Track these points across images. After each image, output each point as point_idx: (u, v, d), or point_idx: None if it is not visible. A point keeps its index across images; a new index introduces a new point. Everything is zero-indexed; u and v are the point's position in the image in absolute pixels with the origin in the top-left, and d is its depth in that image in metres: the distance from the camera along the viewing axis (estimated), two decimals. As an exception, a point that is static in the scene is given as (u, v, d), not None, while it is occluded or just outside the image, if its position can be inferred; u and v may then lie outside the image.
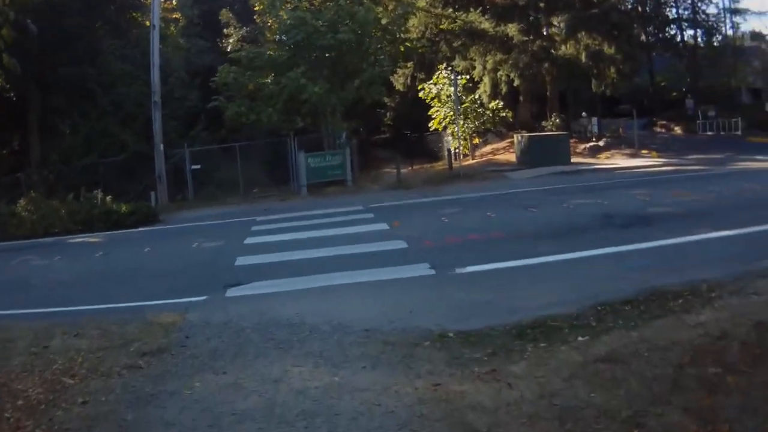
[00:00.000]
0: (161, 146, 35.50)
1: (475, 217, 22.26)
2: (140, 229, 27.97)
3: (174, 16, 53.69)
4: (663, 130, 55.13)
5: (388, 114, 60.77)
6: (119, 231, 27.45)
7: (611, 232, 17.66)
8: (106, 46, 42.25)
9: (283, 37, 38.92)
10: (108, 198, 30.77)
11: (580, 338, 9.22)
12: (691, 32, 62.42)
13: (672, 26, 63.59)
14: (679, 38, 63.30)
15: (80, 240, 26.24)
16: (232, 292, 14.20)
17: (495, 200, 26.61)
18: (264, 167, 41.09)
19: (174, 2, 54.24)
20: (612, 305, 10.69)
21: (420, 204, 28.00)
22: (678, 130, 54.30)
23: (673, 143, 47.86)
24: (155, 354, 9.90)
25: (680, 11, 63.20)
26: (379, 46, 39.92)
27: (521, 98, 54.01)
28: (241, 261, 17.62)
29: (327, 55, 37.92)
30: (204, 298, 13.81)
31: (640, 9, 57.02)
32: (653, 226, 17.98)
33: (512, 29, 46.51)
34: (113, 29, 44.33)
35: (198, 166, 37.03)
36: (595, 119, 52.38)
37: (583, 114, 52.74)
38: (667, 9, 63.74)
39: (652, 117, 57.04)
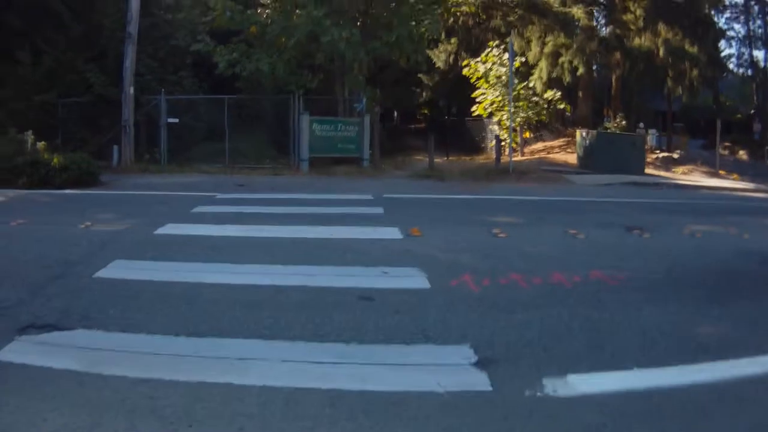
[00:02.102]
0: (131, 89, 28.61)
1: (548, 235, 13.64)
2: (65, 191, 21.15)
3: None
4: (726, 153, 49.00)
5: (424, 93, 53.19)
6: (39, 190, 21.04)
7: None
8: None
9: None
10: (41, 144, 24.41)
11: None
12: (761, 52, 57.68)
13: (745, 43, 58.23)
14: (748, 56, 57.63)
15: None
16: (6, 353, 6.76)
17: (568, 210, 18.40)
18: (262, 131, 34.31)
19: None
20: None
21: (456, 203, 19.54)
22: (743, 154, 48.38)
23: (747, 168, 41.23)
24: None
25: (752, 28, 57.56)
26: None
27: (581, 92, 46.28)
28: (111, 269, 10.19)
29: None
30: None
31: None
32: None
33: (578, 12, 38.78)
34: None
35: (175, 120, 30.01)
36: (654, 131, 45.52)
37: (641, 125, 45.52)
38: (739, 24, 58.31)
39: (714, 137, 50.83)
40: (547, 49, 40.88)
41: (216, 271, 9.93)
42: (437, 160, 31.75)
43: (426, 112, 57.99)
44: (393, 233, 13.22)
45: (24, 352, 6.71)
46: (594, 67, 44.22)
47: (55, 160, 22.53)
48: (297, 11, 28.69)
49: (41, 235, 13.22)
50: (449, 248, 11.77)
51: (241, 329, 7.31)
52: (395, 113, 55.93)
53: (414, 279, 9.47)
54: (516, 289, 9.14)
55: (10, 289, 8.91)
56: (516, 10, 42.19)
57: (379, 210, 16.95)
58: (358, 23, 30.06)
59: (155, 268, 10.28)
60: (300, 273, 9.80)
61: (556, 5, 40.07)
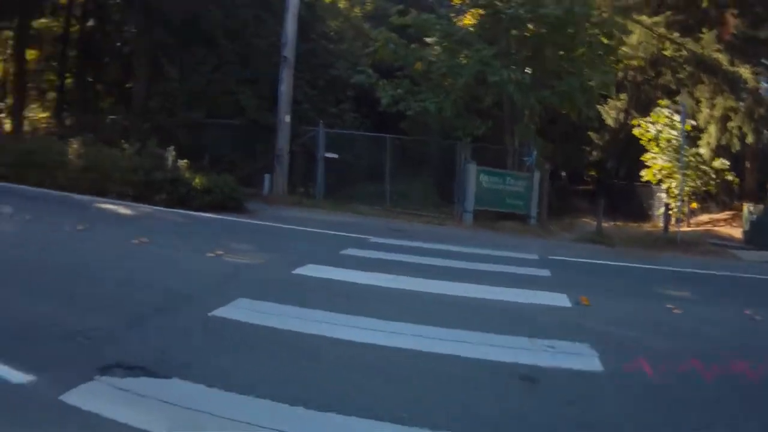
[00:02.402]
0: (287, 117, 27.32)
1: (725, 314, 12.06)
2: (204, 214, 20.04)
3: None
4: None
5: (593, 153, 50.93)
6: (175, 210, 20.23)
7: None
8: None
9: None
10: (183, 162, 23.25)
11: None
12: None
13: None
14: None
15: (106, 206, 19.67)
16: (76, 394, 5.70)
17: (741, 288, 16.80)
18: (426, 176, 32.34)
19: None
20: None
21: (626, 271, 17.71)
22: None
23: None
24: None
25: None
26: (590, 47, 29.25)
27: (748, 163, 43.64)
28: (232, 308, 8.98)
29: (522, 39, 28.49)
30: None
31: None
32: None
33: (745, 72, 36.21)
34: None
35: (335, 155, 28.42)
36: (809, 212, 42.26)
37: (796, 204, 42.90)
38: None
39: None
40: (717, 112, 38.18)
41: (353, 324, 8.55)
42: (604, 224, 29.86)
43: (594, 173, 55.83)
44: (560, 300, 11.64)
45: (99, 396, 5.68)
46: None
47: (197, 180, 21.68)
48: (464, 52, 27.22)
49: (161, 258, 12.27)
50: (621, 322, 10.28)
51: (373, 405, 5.92)
52: (562, 172, 54.29)
53: (584, 359, 7.98)
54: (697, 379, 7.73)
55: (104, 315, 7.95)
56: (685, 66, 40.05)
57: (546, 272, 15.26)
58: (527, 69, 28.39)
59: (283, 312, 8.95)
60: (450, 338, 8.38)
61: (725, 63, 37.92)
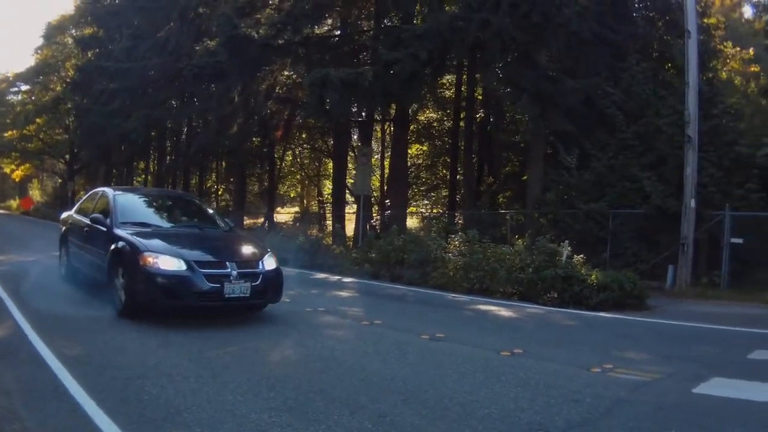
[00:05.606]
0: (692, 202, 25.02)
1: None
2: (599, 313, 17.54)
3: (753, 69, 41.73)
4: None
5: None
6: (566, 309, 18.06)
7: None
8: (630, 57, 31.11)
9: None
10: (578, 258, 21.31)
11: None
12: None
13: None
14: None
15: (484, 307, 18.22)
16: None
17: None
18: None
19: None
20: None
21: None
22: None
23: None
24: None
25: None
26: None
27: None
28: None
29: None
30: None
31: None
32: None
33: None
34: (637, 36, 33.57)
35: (739, 240, 25.16)
36: None
37: None
38: None
39: None
40: None
41: None
42: None
43: None
44: None
45: None
46: None
47: (593, 276, 19.46)
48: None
49: (531, 377, 9.74)
50: None
51: None
52: None
53: None
54: None
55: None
56: None
57: None
58: None
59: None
60: None
61: None
